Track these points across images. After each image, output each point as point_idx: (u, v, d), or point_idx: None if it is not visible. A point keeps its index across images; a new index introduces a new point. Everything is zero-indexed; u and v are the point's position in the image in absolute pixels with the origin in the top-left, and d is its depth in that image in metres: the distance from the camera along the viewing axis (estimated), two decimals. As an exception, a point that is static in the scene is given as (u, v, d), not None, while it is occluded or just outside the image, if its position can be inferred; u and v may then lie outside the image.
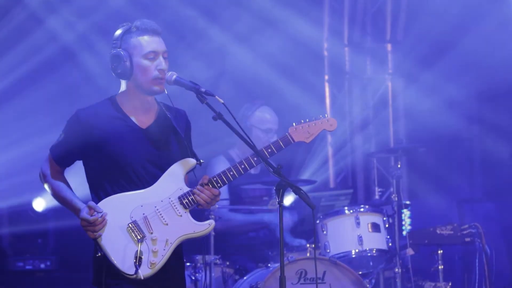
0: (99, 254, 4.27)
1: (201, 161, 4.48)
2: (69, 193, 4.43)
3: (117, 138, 4.37)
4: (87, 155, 4.41)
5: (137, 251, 4.25)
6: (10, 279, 7.68)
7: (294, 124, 4.58)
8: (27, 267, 7.75)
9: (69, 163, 4.49)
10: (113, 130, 4.38)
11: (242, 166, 4.42)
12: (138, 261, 4.23)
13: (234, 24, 8.73)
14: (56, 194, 4.47)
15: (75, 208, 4.34)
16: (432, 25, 8.83)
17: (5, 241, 7.87)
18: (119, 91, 4.50)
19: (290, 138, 4.54)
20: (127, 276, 4.23)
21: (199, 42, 8.55)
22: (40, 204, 7.88)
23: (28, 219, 7.90)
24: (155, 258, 4.29)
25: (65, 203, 4.43)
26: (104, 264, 4.26)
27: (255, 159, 4.40)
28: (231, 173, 4.41)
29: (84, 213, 4.26)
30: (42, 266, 7.79)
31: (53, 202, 7.52)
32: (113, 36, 4.45)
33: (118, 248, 4.26)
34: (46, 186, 4.51)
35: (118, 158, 4.35)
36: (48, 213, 7.90)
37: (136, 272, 4.22)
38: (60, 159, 4.46)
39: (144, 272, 4.25)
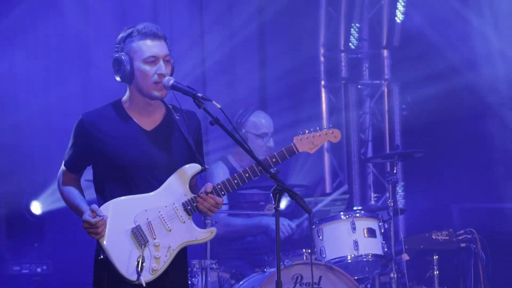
0: (101, 256, 4.27)
1: (206, 166, 4.48)
2: (77, 198, 4.43)
3: (120, 140, 4.38)
4: (93, 158, 4.41)
5: (139, 256, 4.26)
6: (6, 283, 7.67)
7: (299, 133, 4.58)
8: (24, 271, 7.74)
9: (80, 168, 4.50)
10: (116, 132, 4.39)
11: (247, 175, 4.42)
12: (141, 267, 4.24)
13: (231, 25, 8.76)
14: (65, 201, 4.48)
15: (80, 212, 4.35)
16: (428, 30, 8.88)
17: (2, 245, 7.86)
18: (124, 95, 4.51)
19: (295, 148, 4.55)
20: (130, 281, 4.24)
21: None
22: (37, 207, 7.88)
23: (25, 223, 7.90)
24: (157, 265, 4.30)
25: (73, 209, 4.43)
26: (106, 267, 4.27)
27: (260, 168, 4.38)
28: (235, 181, 4.42)
29: (86, 215, 4.27)
30: (39, 270, 7.78)
31: (51, 206, 7.57)
32: (116, 39, 4.47)
33: (121, 253, 4.26)
34: (60, 193, 4.52)
35: (121, 160, 4.35)
36: (45, 217, 7.90)
37: (138, 278, 4.23)
38: (71, 165, 4.47)
39: (146, 277, 4.26)
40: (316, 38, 9.51)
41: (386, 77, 9.56)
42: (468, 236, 7.39)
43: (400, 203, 8.85)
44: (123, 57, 4.38)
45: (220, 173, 5.21)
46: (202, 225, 4.49)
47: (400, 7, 9.30)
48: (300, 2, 9.27)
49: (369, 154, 9.40)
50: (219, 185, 4.40)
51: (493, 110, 8.60)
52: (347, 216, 6.82)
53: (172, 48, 4.50)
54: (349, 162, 9.50)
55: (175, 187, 4.39)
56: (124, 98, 4.50)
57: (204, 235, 4.43)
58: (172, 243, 4.34)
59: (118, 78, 4.45)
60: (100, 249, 4.29)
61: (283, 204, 7.28)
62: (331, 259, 6.65)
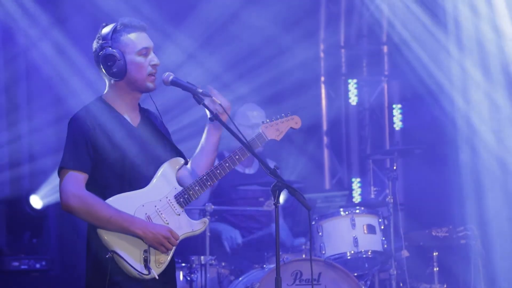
0: (109, 254, 4.22)
1: (188, 159, 4.52)
2: (114, 207, 4.25)
3: (117, 136, 4.36)
4: (93, 154, 4.32)
5: (146, 251, 4.27)
6: (5, 278, 7.66)
7: (267, 121, 4.67)
8: (22, 266, 7.74)
9: (90, 166, 4.30)
10: (112, 129, 4.37)
11: (227, 164, 4.47)
12: (149, 261, 4.26)
13: (231, 24, 8.75)
14: (103, 212, 4.22)
15: (136, 221, 4.24)
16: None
17: (2, 241, 7.86)
18: (105, 91, 4.47)
19: (264, 135, 4.62)
20: (143, 276, 4.24)
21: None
22: (38, 201, 7.88)
23: (24, 218, 7.89)
24: (162, 258, 4.32)
25: (118, 218, 4.23)
26: (108, 266, 4.23)
27: (237, 157, 4.47)
28: (218, 171, 4.46)
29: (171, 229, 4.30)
30: (38, 266, 7.78)
31: (51, 199, 7.55)
32: (99, 36, 4.41)
33: (129, 249, 4.26)
34: (82, 207, 4.22)
35: (121, 157, 4.34)
36: (45, 210, 7.90)
37: (150, 272, 4.25)
38: (83, 164, 4.26)
39: (155, 271, 4.27)
40: (316, 34, 9.50)
41: (386, 73, 9.55)
42: (468, 233, 7.38)
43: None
44: (115, 52, 4.36)
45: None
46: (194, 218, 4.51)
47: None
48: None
49: (369, 150, 9.39)
50: (205, 176, 4.43)
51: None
52: (346, 213, 6.81)
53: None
54: (349, 158, 9.50)
55: (166, 181, 4.41)
56: (106, 95, 4.45)
57: (199, 226, 4.46)
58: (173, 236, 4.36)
59: (108, 75, 4.38)
60: (106, 247, 4.25)
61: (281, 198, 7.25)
62: (330, 256, 6.64)
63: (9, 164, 7.88)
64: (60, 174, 4.30)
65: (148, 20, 4.53)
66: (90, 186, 4.32)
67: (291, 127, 4.70)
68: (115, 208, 4.24)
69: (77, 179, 4.25)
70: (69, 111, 4.81)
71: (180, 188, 4.42)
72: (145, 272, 4.25)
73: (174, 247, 4.34)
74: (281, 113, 4.73)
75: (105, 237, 4.24)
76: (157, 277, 4.26)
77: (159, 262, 4.31)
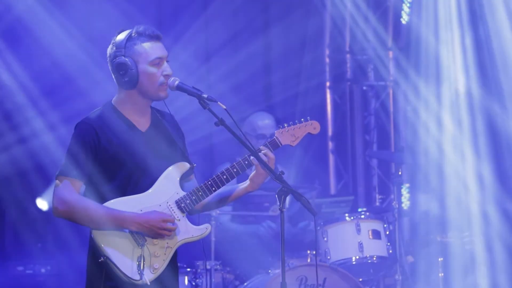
0: (102, 259, 4.25)
1: (194, 164, 4.50)
2: (105, 206, 4.27)
3: (123, 142, 4.36)
4: (96, 162, 4.34)
5: (139, 256, 4.26)
6: (10, 283, 7.67)
7: (280, 127, 4.59)
8: (28, 271, 7.75)
9: (87, 174, 4.35)
10: (119, 134, 4.37)
11: (235, 170, 4.44)
12: (142, 266, 4.24)
13: (235, 27, 8.76)
14: (90, 214, 4.25)
15: (126, 217, 4.25)
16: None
17: (8, 245, 7.87)
18: (116, 97, 4.47)
19: (278, 141, 4.55)
20: (133, 281, 4.24)
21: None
22: (44, 203, 7.90)
23: (30, 223, 7.90)
24: (157, 263, 4.30)
25: (108, 218, 4.25)
26: (103, 270, 4.25)
27: (246, 162, 4.42)
28: (224, 176, 4.43)
29: (164, 219, 4.29)
30: (43, 270, 7.79)
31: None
32: (113, 42, 4.40)
33: (122, 254, 4.26)
34: (70, 211, 4.27)
35: (125, 162, 4.34)
36: (50, 214, 7.90)
37: (142, 277, 4.24)
38: (81, 173, 4.31)
39: (148, 276, 4.26)
40: (321, 39, 9.50)
41: (391, 78, 9.54)
42: (473, 238, 7.37)
43: (405, 205, 8.81)
44: (128, 61, 4.36)
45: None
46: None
47: (406, 8, 9.29)
48: (305, 3, 9.26)
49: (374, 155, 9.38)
50: (210, 181, 4.41)
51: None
52: (352, 218, 6.82)
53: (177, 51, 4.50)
54: (354, 164, 9.48)
55: (167, 186, 4.40)
56: (117, 100, 4.45)
57: (199, 231, 4.43)
58: (170, 241, 4.35)
59: (121, 83, 4.38)
60: (99, 251, 4.26)
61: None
62: (335, 261, 6.65)
63: (14, 166, 7.89)
64: (56, 181, 4.33)
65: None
66: (93, 191, 4.34)
67: (308, 133, 4.64)
68: (106, 207, 4.25)
69: (69, 185, 4.28)
70: (77, 113, 4.81)
71: (182, 193, 4.40)
72: (136, 277, 4.24)
73: (170, 254, 4.33)
74: (287, 118, 4.68)
75: (99, 242, 4.26)
76: (148, 283, 4.24)
77: (154, 268, 4.30)
